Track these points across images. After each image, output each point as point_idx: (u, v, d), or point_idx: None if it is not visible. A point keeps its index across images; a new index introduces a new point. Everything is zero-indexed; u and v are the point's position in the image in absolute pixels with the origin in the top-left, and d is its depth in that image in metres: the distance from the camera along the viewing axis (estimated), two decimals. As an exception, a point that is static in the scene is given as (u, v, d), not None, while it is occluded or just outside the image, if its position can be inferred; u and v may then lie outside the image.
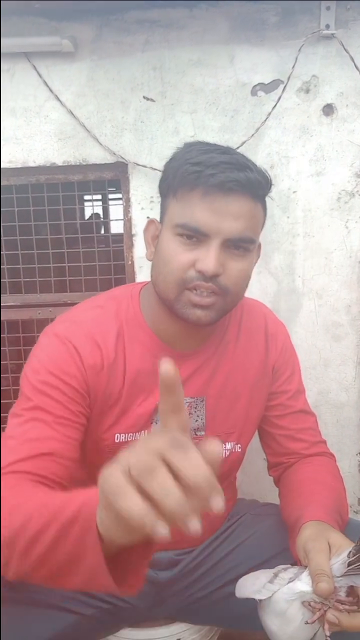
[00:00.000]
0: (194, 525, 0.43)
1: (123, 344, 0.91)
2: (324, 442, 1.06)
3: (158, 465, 0.43)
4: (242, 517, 1.07)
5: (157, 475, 0.43)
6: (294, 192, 1.37)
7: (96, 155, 1.36)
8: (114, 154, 1.35)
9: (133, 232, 1.40)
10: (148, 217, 1.38)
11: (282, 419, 1.03)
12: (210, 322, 0.86)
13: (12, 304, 1.49)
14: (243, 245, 0.84)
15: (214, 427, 0.97)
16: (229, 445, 0.99)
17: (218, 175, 0.80)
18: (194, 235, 0.82)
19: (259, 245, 0.95)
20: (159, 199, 1.36)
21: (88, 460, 0.93)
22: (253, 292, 1.41)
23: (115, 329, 0.90)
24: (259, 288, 1.42)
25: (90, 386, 0.87)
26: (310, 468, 0.98)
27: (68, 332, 0.88)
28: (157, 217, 1.36)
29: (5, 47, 1.28)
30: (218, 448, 0.45)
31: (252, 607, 0.90)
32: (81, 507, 0.58)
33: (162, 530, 0.42)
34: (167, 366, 0.46)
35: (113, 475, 0.46)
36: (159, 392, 0.48)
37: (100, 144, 1.34)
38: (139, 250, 1.41)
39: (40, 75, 1.32)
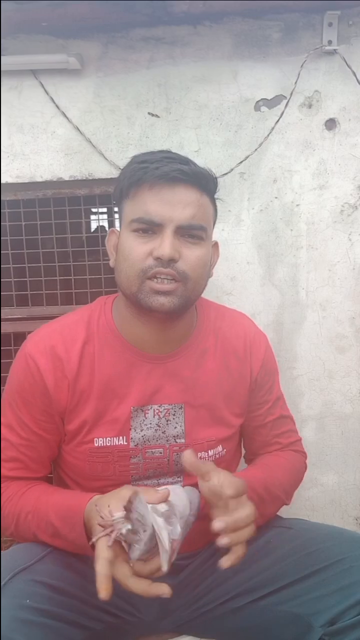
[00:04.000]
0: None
1: (92, 350, 0.95)
2: (299, 440, 1.12)
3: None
4: None
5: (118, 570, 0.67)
6: (297, 205, 1.39)
7: (102, 170, 1.38)
8: (120, 168, 1.36)
9: (138, 245, 1.41)
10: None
11: (262, 427, 1.07)
12: (174, 308, 0.89)
13: (19, 316, 1.50)
14: (195, 233, 0.89)
15: (193, 434, 0.98)
16: (211, 452, 1.00)
17: (162, 167, 0.86)
18: (149, 228, 0.88)
19: (217, 245, 1.00)
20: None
21: (71, 461, 0.98)
22: (257, 304, 1.43)
23: (82, 337, 0.96)
24: (263, 300, 1.43)
25: (54, 401, 0.94)
26: (272, 455, 1.07)
27: (34, 348, 0.95)
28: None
29: (13, 65, 1.31)
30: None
31: (258, 621, 0.90)
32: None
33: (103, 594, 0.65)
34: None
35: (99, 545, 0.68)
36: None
37: (106, 159, 1.36)
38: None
39: (47, 92, 1.34)
